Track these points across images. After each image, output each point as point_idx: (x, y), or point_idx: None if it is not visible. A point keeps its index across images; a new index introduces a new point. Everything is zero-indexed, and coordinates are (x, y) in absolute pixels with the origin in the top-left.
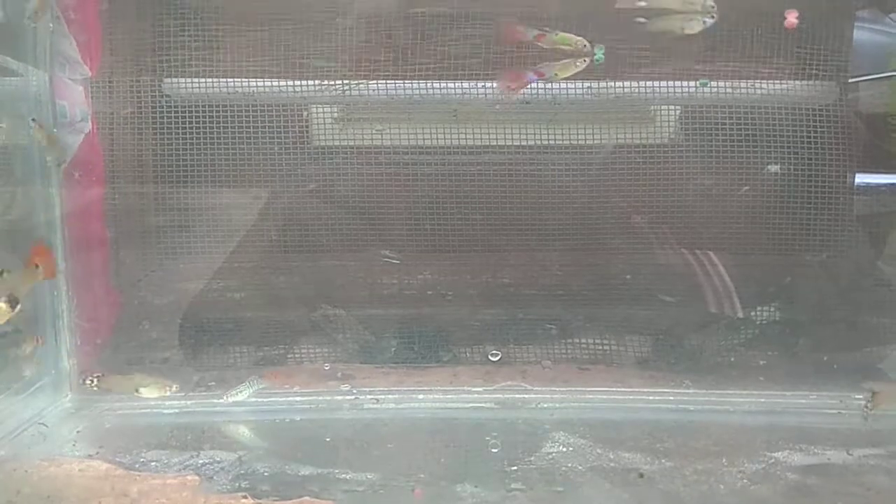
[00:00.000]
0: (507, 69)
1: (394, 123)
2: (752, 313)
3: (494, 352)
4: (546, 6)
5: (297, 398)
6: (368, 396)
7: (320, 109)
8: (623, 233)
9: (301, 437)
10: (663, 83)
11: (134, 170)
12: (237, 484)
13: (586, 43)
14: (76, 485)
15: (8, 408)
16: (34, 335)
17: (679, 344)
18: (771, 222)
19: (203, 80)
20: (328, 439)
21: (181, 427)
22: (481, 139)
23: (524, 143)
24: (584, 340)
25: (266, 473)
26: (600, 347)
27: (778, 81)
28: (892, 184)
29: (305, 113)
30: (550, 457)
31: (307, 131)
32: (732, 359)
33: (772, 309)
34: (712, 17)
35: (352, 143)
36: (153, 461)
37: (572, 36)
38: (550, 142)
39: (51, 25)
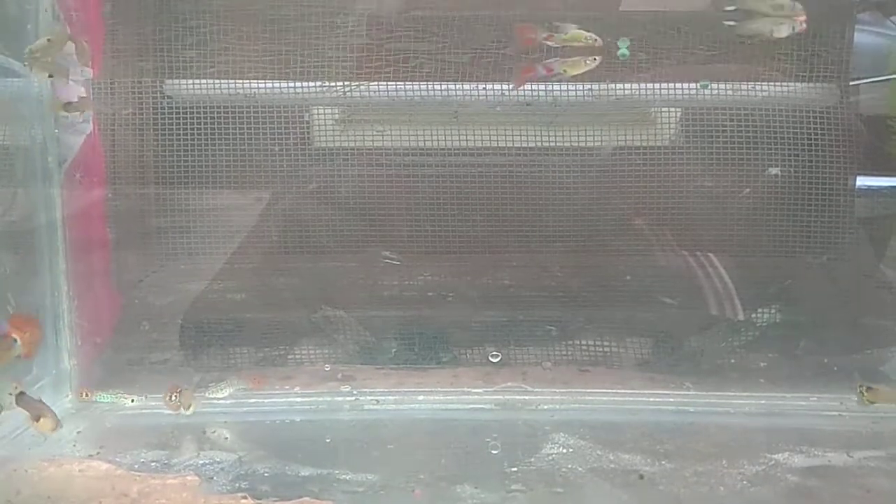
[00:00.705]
0: (516, 64)
1: (395, 125)
2: (753, 315)
3: (495, 353)
4: (546, 7)
5: (298, 399)
6: (369, 398)
7: (321, 111)
8: (623, 235)
9: (301, 438)
10: (664, 85)
11: (135, 171)
12: (237, 484)
13: (597, 38)
14: (76, 485)
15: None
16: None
17: (679, 346)
18: (771, 224)
19: (204, 81)
20: (328, 440)
21: (181, 427)
22: (482, 141)
23: (525, 144)
24: (584, 342)
25: (266, 474)
26: (601, 349)
27: (778, 83)
28: (893, 186)
29: (307, 115)
30: (550, 458)
31: (308, 133)
32: (733, 361)
33: (773, 311)
34: (802, 23)
35: (353, 144)
36: (153, 461)
37: (582, 32)
38: (551, 143)
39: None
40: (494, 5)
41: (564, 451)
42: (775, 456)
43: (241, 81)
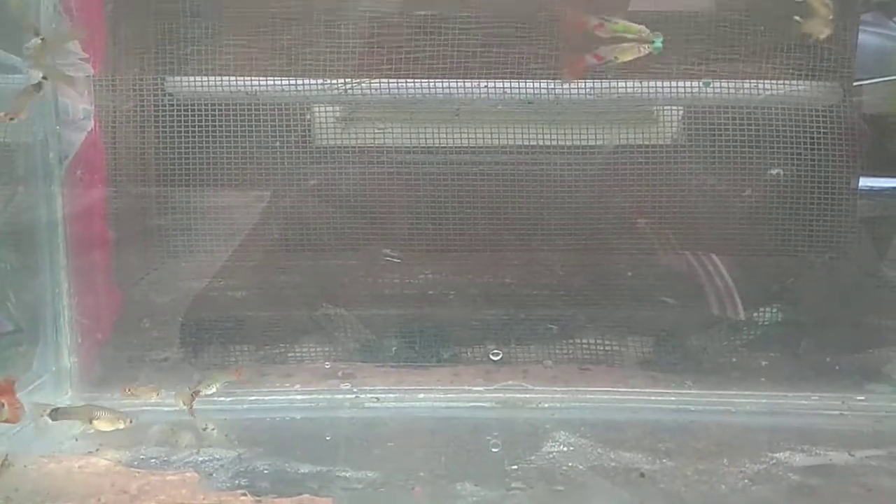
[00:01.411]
0: (567, 54)
1: (396, 123)
2: (755, 314)
3: (496, 351)
4: (549, 7)
5: (298, 396)
6: (369, 395)
7: (323, 109)
8: (625, 233)
9: (301, 436)
10: (666, 83)
11: (136, 168)
12: (236, 481)
13: (646, 30)
14: (76, 481)
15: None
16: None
17: (681, 345)
18: (773, 223)
19: (206, 78)
20: (328, 438)
21: (181, 425)
22: (483, 139)
23: (526, 143)
24: (585, 340)
25: (265, 471)
26: (602, 348)
27: (782, 82)
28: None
29: (308, 114)
30: (551, 456)
31: (310, 131)
32: (734, 360)
33: (774, 310)
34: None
35: (354, 142)
36: (153, 458)
37: (633, 24)
38: (553, 142)
39: (53, 25)
40: (496, 4)
41: (565, 449)
42: (777, 455)
43: (242, 79)
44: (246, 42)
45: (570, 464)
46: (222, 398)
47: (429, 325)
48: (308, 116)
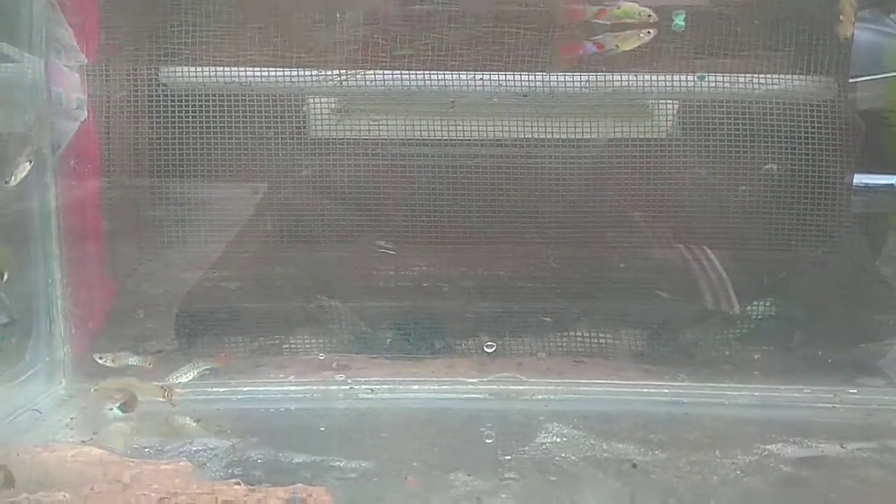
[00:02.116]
0: (562, 42)
1: (391, 115)
2: (748, 308)
3: (489, 343)
4: None
5: (293, 388)
6: (363, 386)
7: (318, 100)
8: (619, 226)
9: (295, 426)
10: (661, 76)
11: (130, 159)
12: (230, 471)
13: (651, 13)
14: (69, 470)
15: (1, 394)
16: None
17: (674, 338)
18: (768, 218)
19: (200, 69)
20: (322, 428)
21: (174, 415)
22: (479, 131)
23: (521, 135)
24: (579, 333)
25: (259, 461)
26: (595, 340)
27: (777, 76)
28: (890, 183)
29: (303, 105)
30: (544, 447)
31: (304, 122)
32: (727, 353)
33: (767, 304)
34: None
35: (349, 134)
36: (146, 448)
37: (636, 6)
38: (547, 135)
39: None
40: None
41: (558, 440)
42: (769, 447)
43: (236, 69)
44: (240, 32)
45: (562, 455)
46: (217, 388)
47: (423, 317)
48: (303, 108)
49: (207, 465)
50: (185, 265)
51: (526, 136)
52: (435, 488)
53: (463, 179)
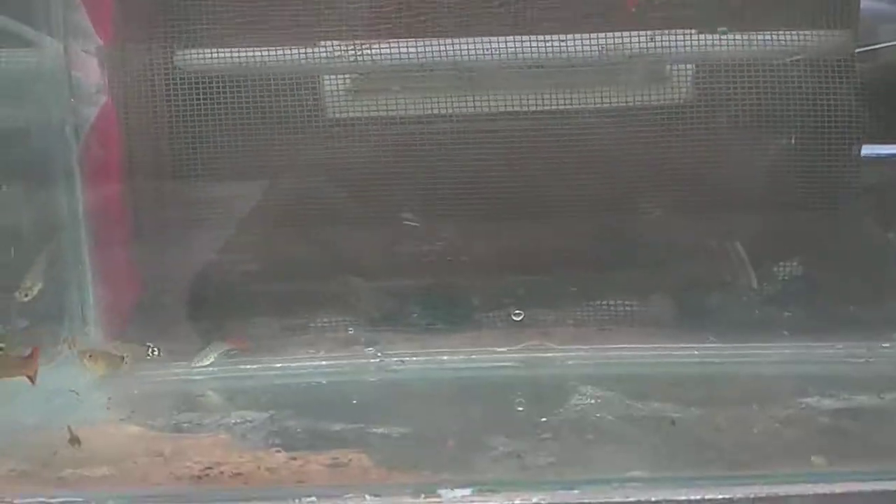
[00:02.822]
0: None
1: (408, 90)
2: (774, 269)
3: (517, 311)
4: None
5: (323, 362)
6: (393, 359)
7: (334, 79)
8: (643, 195)
9: (329, 399)
10: (679, 33)
11: (149, 141)
12: (270, 441)
13: None
14: (110, 446)
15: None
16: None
17: (700, 303)
18: (790, 178)
19: (215, 50)
20: (355, 401)
21: (209, 392)
22: (500, 102)
23: (543, 107)
24: (605, 302)
25: (298, 430)
26: (621, 308)
27: (795, 32)
28: None
29: (319, 83)
30: (579, 409)
31: (321, 101)
32: (755, 314)
33: (795, 264)
34: None
35: (366, 111)
36: (185, 423)
37: None
38: (566, 105)
39: None
40: None
41: (592, 401)
42: (806, 400)
43: (250, 50)
44: (253, 10)
45: (598, 415)
46: (247, 366)
47: (448, 290)
48: (319, 87)
49: (247, 436)
50: (208, 247)
51: (547, 107)
52: (475, 450)
53: (486, 152)
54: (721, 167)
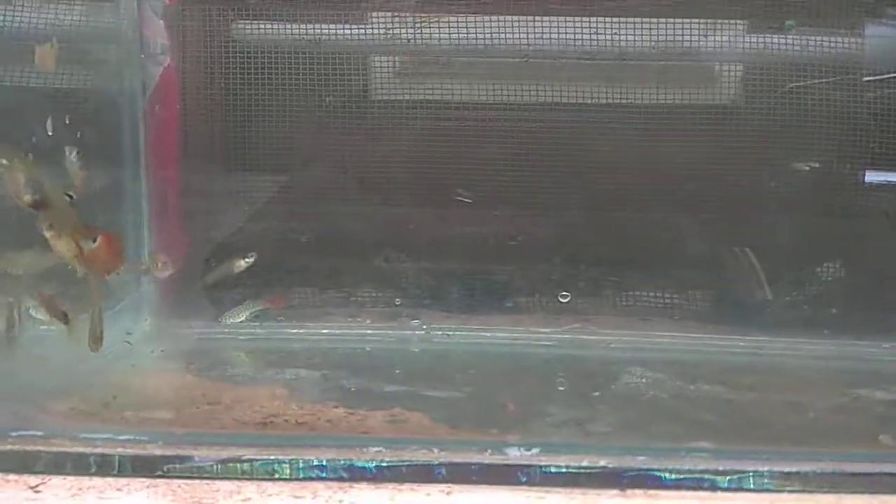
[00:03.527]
0: None
1: (460, 75)
2: (818, 269)
3: (564, 293)
4: None
5: (368, 331)
6: (438, 332)
7: (383, 58)
8: (689, 192)
9: (376, 364)
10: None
11: (205, 109)
12: (326, 396)
13: None
14: (168, 393)
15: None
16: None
17: (742, 300)
18: (832, 180)
19: (271, 22)
20: (398, 371)
21: (259, 351)
22: (554, 92)
23: (590, 101)
24: (647, 293)
25: (353, 389)
26: (662, 301)
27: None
28: None
29: (369, 60)
30: (631, 386)
31: (369, 80)
32: (798, 313)
33: (837, 265)
34: None
35: (413, 94)
36: (239, 375)
37: None
38: (618, 100)
39: None
40: None
41: (644, 380)
42: (858, 391)
43: (304, 25)
44: None
45: (651, 392)
46: (292, 330)
47: (491, 273)
48: (367, 64)
49: (304, 390)
50: (256, 217)
51: (595, 101)
52: (535, 416)
53: (532, 143)
54: (772, 169)
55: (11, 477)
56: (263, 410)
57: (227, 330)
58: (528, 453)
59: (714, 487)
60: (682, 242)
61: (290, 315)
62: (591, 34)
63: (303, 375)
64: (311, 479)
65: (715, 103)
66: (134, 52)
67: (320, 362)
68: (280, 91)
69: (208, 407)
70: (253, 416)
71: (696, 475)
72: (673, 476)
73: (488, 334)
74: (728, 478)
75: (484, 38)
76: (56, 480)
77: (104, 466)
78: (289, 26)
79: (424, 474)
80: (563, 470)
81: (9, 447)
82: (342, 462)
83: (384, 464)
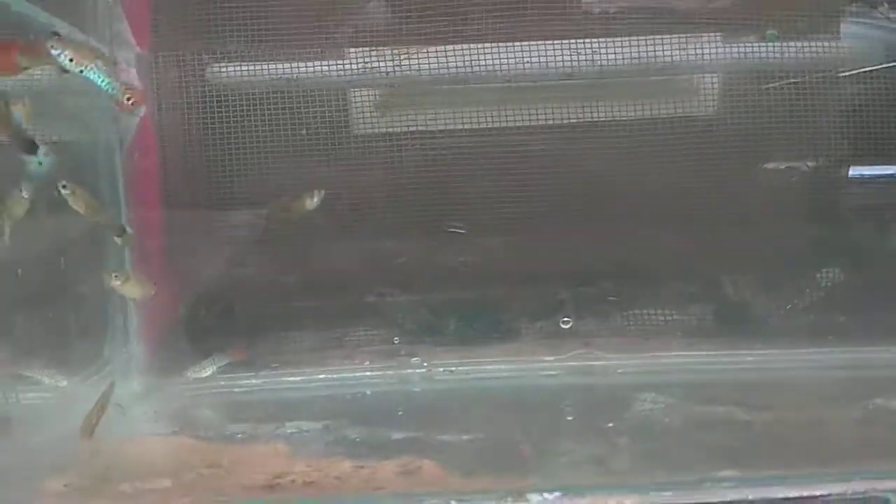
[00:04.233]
0: None
1: (443, 104)
2: (818, 276)
3: (566, 319)
4: None
5: (367, 373)
6: (440, 369)
7: (361, 92)
8: (681, 208)
9: (379, 408)
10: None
11: (183, 155)
12: (331, 450)
13: None
14: (165, 459)
15: (82, 392)
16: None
17: (743, 312)
18: (829, 188)
19: (246, 65)
20: (400, 412)
21: (256, 404)
22: (539, 115)
23: (578, 120)
24: (647, 312)
25: (357, 439)
26: (663, 318)
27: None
28: None
29: (346, 97)
30: (644, 413)
31: (348, 116)
32: (802, 322)
33: (839, 272)
34: None
35: (398, 126)
36: (238, 434)
37: None
38: (603, 117)
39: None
40: None
41: (656, 406)
42: (875, 400)
43: (280, 65)
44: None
45: (665, 420)
46: (289, 378)
47: (487, 302)
48: (346, 101)
49: (306, 445)
50: (243, 262)
51: (581, 120)
52: (551, 455)
53: (523, 166)
54: (767, 178)
55: None
56: (267, 471)
57: (219, 385)
58: (551, 497)
59: None
60: (678, 257)
61: (284, 362)
62: (570, 55)
63: (304, 428)
64: None
65: (702, 115)
66: (108, 104)
67: (320, 411)
68: (259, 131)
69: (208, 472)
70: (256, 479)
71: None
72: None
73: (491, 367)
74: None
75: (464, 66)
76: None
77: None
78: (264, 66)
79: None
80: None
81: None
82: None
83: None
